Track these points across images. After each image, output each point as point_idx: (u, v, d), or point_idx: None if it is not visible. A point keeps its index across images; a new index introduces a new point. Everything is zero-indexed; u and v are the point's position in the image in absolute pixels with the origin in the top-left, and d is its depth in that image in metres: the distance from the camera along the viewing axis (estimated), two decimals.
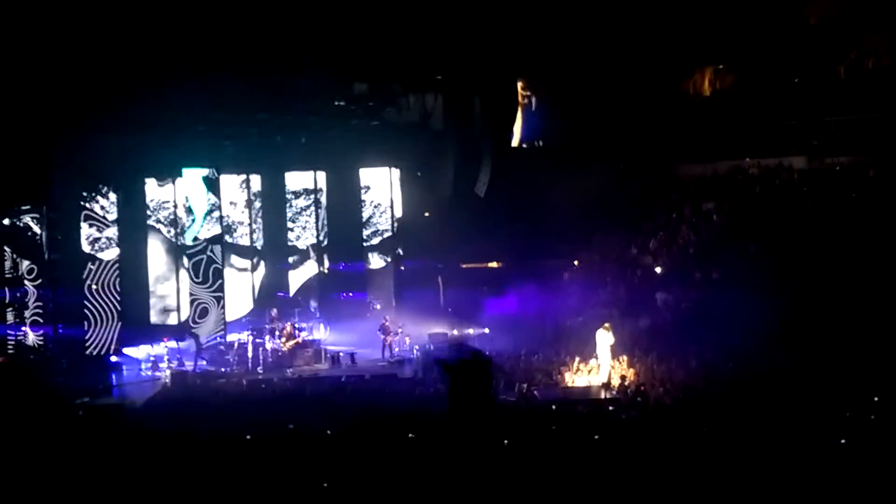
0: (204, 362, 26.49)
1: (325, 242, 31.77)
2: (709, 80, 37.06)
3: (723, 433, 16.41)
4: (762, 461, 14.35)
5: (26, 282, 26.09)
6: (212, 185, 28.88)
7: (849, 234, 27.41)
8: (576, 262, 31.79)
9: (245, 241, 30.80)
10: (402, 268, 31.90)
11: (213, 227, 28.81)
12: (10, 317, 25.85)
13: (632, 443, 16.13)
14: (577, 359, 23.39)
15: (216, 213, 28.89)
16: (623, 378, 21.72)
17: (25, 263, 26.08)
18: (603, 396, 21.03)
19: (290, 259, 31.48)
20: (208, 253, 28.60)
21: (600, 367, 22.42)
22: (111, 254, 27.03)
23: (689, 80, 36.85)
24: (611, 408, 19.52)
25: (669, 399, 19.68)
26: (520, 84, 34.80)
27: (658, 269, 29.92)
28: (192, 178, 28.56)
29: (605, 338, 22.60)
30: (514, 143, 35.05)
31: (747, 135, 34.92)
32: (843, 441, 15.28)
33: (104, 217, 26.98)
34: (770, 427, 16.47)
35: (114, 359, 26.38)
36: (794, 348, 22.50)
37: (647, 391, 20.47)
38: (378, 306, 30.82)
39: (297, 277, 31.60)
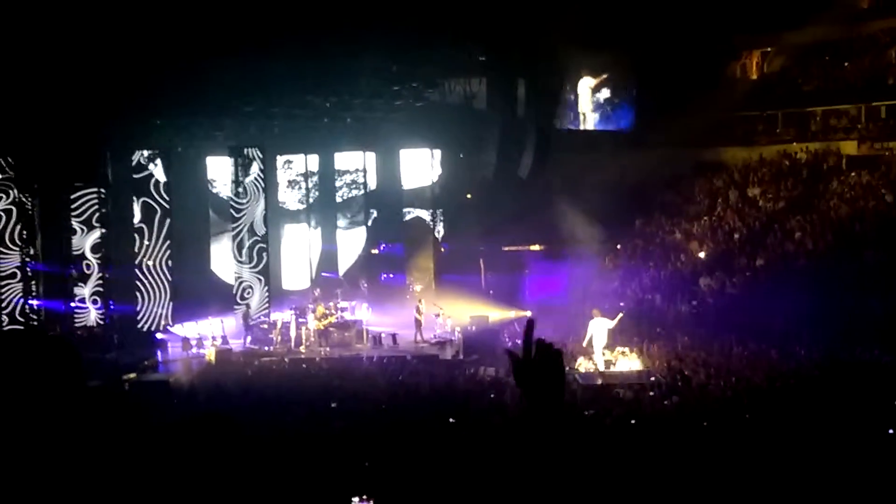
0: (249, 339, 26.84)
1: (371, 222, 31.97)
2: (756, 63, 36.63)
3: (764, 421, 16.29)
4: (803, 451, 14.22)
5: (90, 257, 26.67)
6: (260, 164, 29.20)
7: None
8: (618, 246, 31.67)
9: (298, 220, 31.10)
10: (443, 249, 31.93)
11: (259, 206, 29.08)
12: (77, 292, 26.59)
13: (672, 428, 16.07)
14: (617, 346, 23.23)
15: (262, 192, 29.16)
16: (666, 363, 21.52)
17: (91, 239, 26.68)
18: (599, 383, 20.81)
19: (338, 239, 31.72)
20: (253, 231, 28.91)
21: (593, 356, 22.00)
22: (164, 230, 27.51)
23: (737, 63, 36.46)
24: (651, 393, 19.45)
25: (712, 385, 19.57)
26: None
27: (702, 255, 29.72)
28: (239, 157, 28.90)
29: (600, 323, 22.14)
30: (591, 126, 34.86)
31: (795, 119, 34.51)
32: (891, 431, 15.10)
33: (157, 194, 27.44)
34: (813, 416, 16.31)
35: (160, 336, 26.78)
36: (839, 336, 22.26)
37: (689, 377, 20.36)
38: (419, 288, 30.86)
39: (346, 257, 31.82)
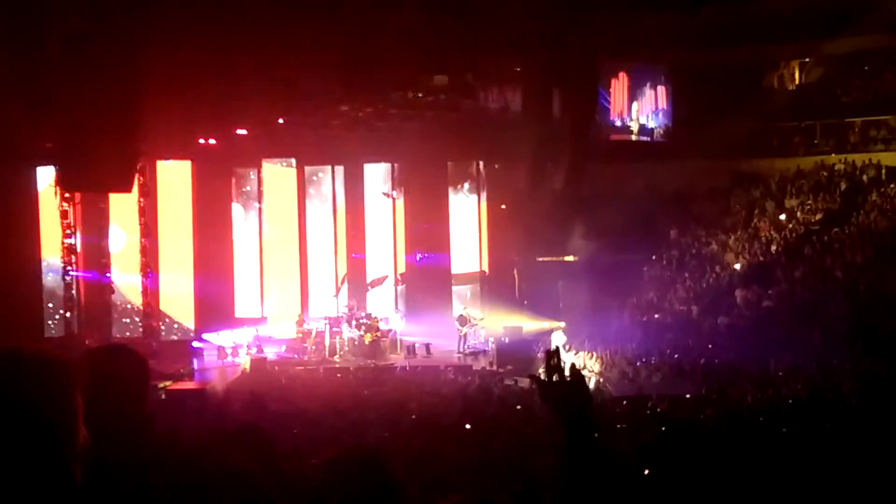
0: (284, 347, 27.05)
1: (402, 234, 31.89)
2: (794, 73, 36.29)
3: (803, 436, 16.07)
4: (842, 466, 14.00)
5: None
6: (294, 175, 29.50)
7: None
8: (654, 257, 31.46)
9: (326, 230, 31.18)
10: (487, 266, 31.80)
11: (293, 216, 29.31)
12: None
13: (708, 441, 15.88)
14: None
15: (294, 202, 29.40)
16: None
17: (122, 246, 27.23)
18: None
19: (367, 252, 31.68)
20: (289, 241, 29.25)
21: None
22: (191, 239, 27.91)
23: (775, 73, 36.12)
24: (686, 405, 19.27)
25: (748, 398, 19.38)
26: None
27: (738, 267, 29.45)
28: (271, 168, 29.16)
29: (559, 337, 23.93)
30: (634, 137, 34.51)
31: (834, 130, 34.14)
32: None
33: (186, 203, 27.83)
34: (852, 433, 16.07)
35: (196, 344, 27.02)
36: (879, 350, 21.93)
37: (725, 389, 20.19)
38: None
39: (375, 268, 31.76)
